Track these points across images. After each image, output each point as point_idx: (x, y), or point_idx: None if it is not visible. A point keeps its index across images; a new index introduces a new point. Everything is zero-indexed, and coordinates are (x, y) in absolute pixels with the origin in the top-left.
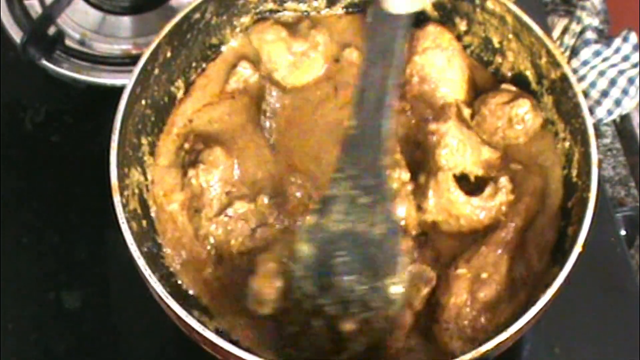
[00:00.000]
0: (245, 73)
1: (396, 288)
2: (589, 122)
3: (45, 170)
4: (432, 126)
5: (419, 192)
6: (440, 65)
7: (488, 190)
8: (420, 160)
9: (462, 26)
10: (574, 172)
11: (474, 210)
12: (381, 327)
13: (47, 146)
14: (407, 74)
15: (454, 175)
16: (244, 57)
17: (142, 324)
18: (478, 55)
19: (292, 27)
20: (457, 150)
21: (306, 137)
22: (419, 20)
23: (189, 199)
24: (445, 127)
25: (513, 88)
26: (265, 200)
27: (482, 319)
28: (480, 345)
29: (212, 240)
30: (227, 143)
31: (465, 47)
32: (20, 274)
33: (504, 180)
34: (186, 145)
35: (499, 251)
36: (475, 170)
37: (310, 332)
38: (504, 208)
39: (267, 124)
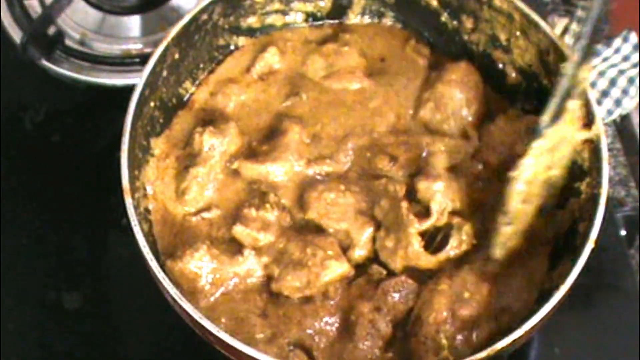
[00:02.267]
0: (274, 58)
1: None
2: (599, 118)
3: (45, 170)
4: (422, 184)
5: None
6: (458, 100)
7: (452, 242)
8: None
9: (469, 24)
10: (583, 169)
11: (440, 262)
12: None
13: (47, 146)
14: (425, 97)
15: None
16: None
17: (142, 323)
18: (484, 52)
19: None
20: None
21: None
22: (457, 54)
23: (185, 155)
24: (436, 186)
25: (519, 111)
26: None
27: (460, 337)
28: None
29: (188, 197)
30: (245, 125)
31: (472, 45)
32: (20, 274)
33: (467, 229)
34: (199, 128)
35: (479, 277)
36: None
37: None
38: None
39: None
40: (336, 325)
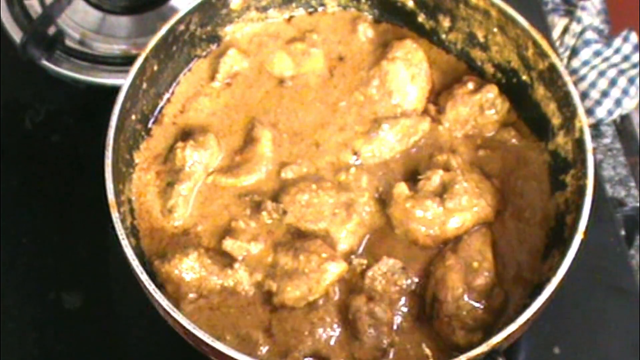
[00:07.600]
0: (235, 59)
1: None
2: (581, 109)
3: (45, 170)
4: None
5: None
6: (402, 78)
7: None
8: None
9: (446, 23)
10: (567, 164)
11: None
12: None
13: (47, 146)
14: (370, 75)
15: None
16: (232, 45)
17: (142, 323)
18: (463, 50)
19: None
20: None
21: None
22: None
23: (167, 171)
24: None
25: (474, 77)
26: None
27: (480, 307)
28: (483, 333)
29: (176, 215)
30: (221, 134)
31: (450, 44)
32: (20, 274)
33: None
34: (179, 144)
35: (481, 237)
36: None
37: None
38: None
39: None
40: (340, 326)
